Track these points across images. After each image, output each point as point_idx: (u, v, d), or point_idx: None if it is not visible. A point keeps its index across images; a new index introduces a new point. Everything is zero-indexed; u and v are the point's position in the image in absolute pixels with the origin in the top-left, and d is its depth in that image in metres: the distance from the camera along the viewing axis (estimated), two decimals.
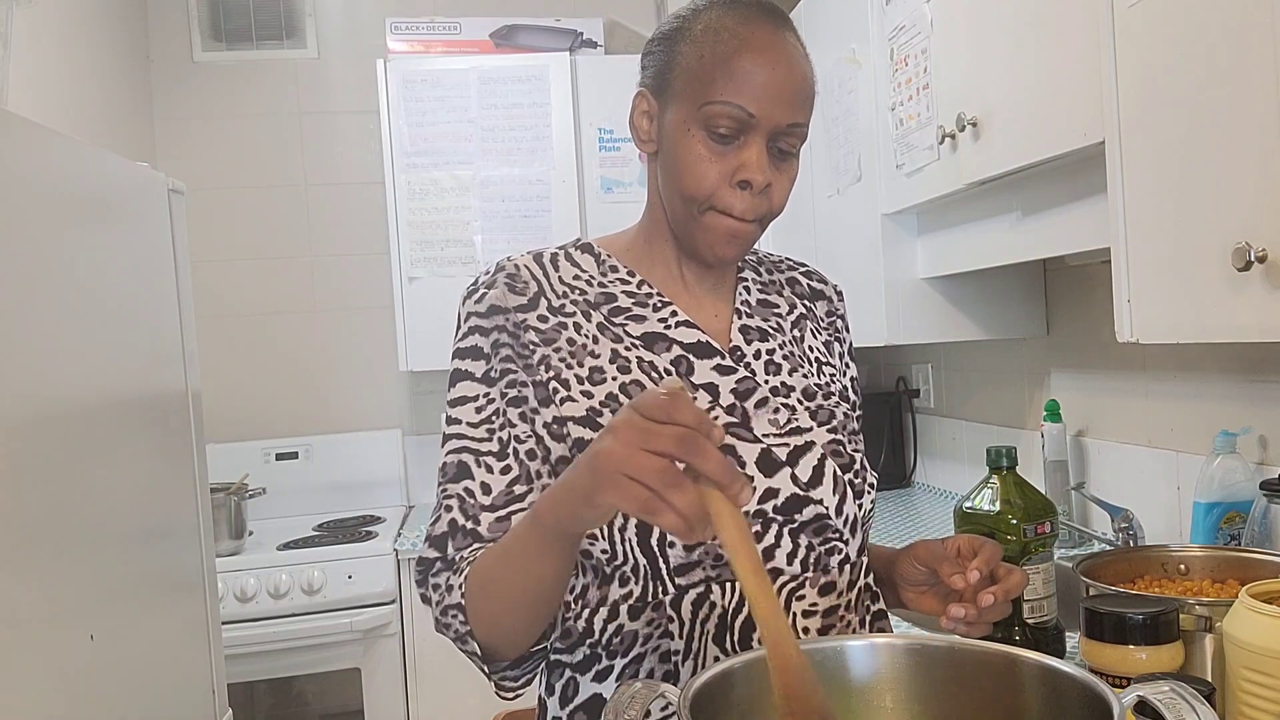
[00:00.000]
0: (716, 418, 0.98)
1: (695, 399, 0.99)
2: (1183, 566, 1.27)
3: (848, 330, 1.18)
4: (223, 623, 2.04)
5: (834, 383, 1.10)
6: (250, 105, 3.24)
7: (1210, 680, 1.04)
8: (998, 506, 1.33)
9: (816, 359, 1.10)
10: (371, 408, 3.29)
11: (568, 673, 1.01)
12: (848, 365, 1.16)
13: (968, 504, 1.37)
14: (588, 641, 0.99)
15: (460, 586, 0.93)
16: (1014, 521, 1.31)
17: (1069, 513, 2.07)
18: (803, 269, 1.18)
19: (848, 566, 1.02)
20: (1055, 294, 2.18)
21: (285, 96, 3.26)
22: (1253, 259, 1.07)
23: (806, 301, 1.14)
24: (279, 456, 3.16)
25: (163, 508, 1.72)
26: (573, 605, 1.00)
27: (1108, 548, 1.86)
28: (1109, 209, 1.34)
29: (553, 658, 1.02)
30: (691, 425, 0.70)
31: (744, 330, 1.06)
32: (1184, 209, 1.21)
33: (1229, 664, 1.00)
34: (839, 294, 1.19)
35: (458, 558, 0.96)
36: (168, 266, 1.83)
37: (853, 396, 1.13)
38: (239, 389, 3.19)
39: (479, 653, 0.94)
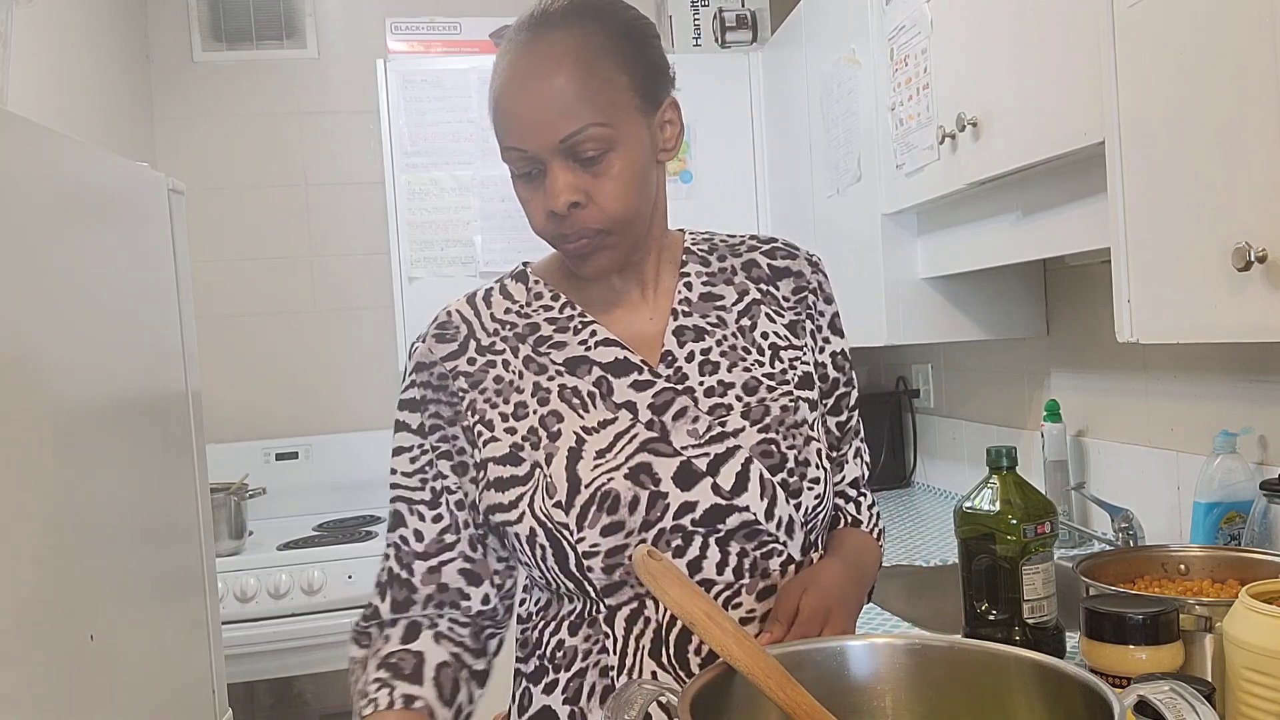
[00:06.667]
0: (636, 435, 0.97)
1: (616, 420, 0.97)
2: (1183, 566, 1.27)
3: (827, 302, 1.10)
4: (223, 623, 2.04)
5: (795, 367, 1.04)
6: (250, 105, 3.24)
7: (1210, 680, 1.04)
8: (998, 506, 1.33)
9: (772, 345, 1.04)
10: (371, 408, 3.28)
11: (525, 683, 1.03)
12: (826, 341, 1.09)
13: (967, 504, 1.37)
14: (537, 653, 1.02)
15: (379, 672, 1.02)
16: (1014, 521, 1.31)
17: (1069, 513, 2.07)
18: (765, 248, 1.10)
19: (792, 567, 0.99)
20: (1055, 294, 2.18)
21: (285, 96, 3.26)
22: (1253, 259, 1.07)
23: (763, 285, 1.07)
24: (279, 456, 3.16)
25: (163, 508, 1.72)
26: (534, 616, 1.03)
27: (1108, 548, 1.86)
28: (1109, 209, 1.34)
29: (515, 666, 1.06)
30: None
31: (679, 332, 1.02)
32: (1184, 209, 1.21)
33: (1229, 664, 1.00)
34: (812, 264, 1.10)
35: (391, 619, 1.07)
36: (168, 266, 1.83)
37: (833, 374, 1.09)
38: (239, 389, 3.19)
39: None
